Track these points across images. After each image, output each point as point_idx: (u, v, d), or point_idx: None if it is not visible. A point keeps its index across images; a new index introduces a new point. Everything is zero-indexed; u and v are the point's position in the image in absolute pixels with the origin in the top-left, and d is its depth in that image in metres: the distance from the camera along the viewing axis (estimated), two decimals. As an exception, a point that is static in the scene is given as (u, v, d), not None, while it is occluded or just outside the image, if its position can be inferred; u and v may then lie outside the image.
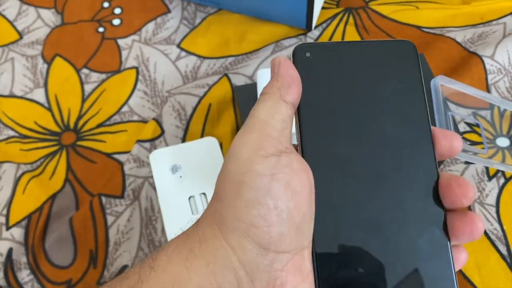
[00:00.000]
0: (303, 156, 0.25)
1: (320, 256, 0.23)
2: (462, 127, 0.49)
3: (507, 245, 0.42)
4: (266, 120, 0.24)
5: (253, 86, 0.47)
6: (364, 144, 0.25)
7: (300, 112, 0.26)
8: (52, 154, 0.49)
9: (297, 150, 0.25)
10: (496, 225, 0.44)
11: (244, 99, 0.46)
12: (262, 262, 0.22)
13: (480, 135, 0.48)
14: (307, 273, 0.23)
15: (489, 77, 0.52)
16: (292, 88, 0.25)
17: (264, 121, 0.24)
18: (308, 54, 0.26)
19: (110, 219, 0.45)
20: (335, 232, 0.24)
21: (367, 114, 0.25)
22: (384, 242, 0.24)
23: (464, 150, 0.42)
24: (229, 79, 0.53)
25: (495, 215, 0.44)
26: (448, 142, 0.25)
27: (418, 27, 0.56)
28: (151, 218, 0.45)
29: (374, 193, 0.24)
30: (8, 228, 0.45)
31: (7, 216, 0.46)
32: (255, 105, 0.25)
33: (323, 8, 0.57)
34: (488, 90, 0.51)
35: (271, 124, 0.24)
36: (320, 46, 0.27)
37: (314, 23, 0.55)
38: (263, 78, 0.44)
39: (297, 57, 0.26)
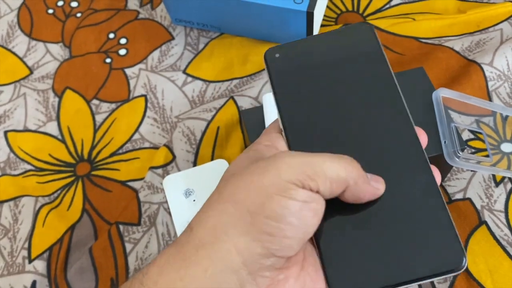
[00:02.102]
0: (288, 143, 0.27)
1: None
2: (466, 135, 0.50)
3: (518, 250, 0.43)
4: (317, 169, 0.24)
5: (259, 109, 0.48)
6: (343, 119, 0.27)
7: (279, 105, 0.27)
8: (69, 185, 0.51)
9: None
10: (507, 231, 0.44)
11: (252, 122, 0.48)
12: (265, 262, 0.23)
13: (484, 142, 0.49)
14: (296, 276, 0.25)
15: (490, 84, 0.53)
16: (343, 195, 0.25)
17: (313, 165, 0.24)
18: (277, 55, 0.28)
19: (128, 246, 0.46)
20: None
21: (341, 95, 0.27)
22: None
23: (468, 159, 0.43)
24: (235, 102, 0.54)
25: (504, 220, 0.45)
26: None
27: (416, 39, 0.57)
28: (168, 243, 0.46)
29: (359, 146, 0.26)
30: (30, 261, 0.46)
31: (29, 249, 0.47)
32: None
33: (322, 25, 0.59)
34: (489, 97, 0.52)
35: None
36: (286, 45, 0.29)
37: (314, 41, 0.57)
38: (268, 102, 0.46)
39: (268, 59, 0.28)
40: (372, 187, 0.25)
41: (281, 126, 0.27)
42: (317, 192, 0.24)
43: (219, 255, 0.23)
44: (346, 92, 0.27)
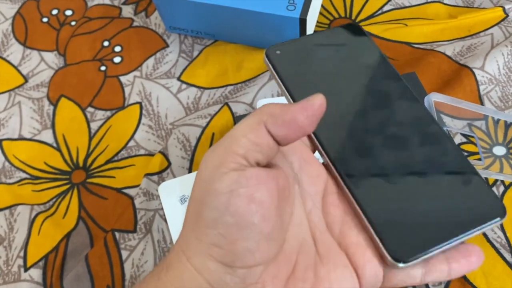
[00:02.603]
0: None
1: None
2: (459, 138, 0.51)
3: None
4: (237, 136, 0.22)
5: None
6: (353, 105, 0.28)
7: (292, 94, 0.28)
8: (64, 193, 0.51)
9: None
10: (500, 233, 0.45)
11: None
12: (232, 279, 0.21)
13: (476, 145, 0.49)
14: (285, 278, 0.23)
15: (481, 88, 0.53)
16: (289, 133, 0.23)
17: (233, 137, 0.22)
18: (278, 52, 0.30)
19: (124, 253, 0.46)
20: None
21: (346, 83, 0.29)
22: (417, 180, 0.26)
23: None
24: (229, 108, 0.54)
25: (497, 223, 0.45)
26: None
27: (409, 44, 0.58)
28: (163, 249, 0.46)
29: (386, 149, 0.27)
30: (26, 269, 0.46)
31: (25, 258, 0.47)
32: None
33: (315, 31, 0.59)
34: (481, 101, 0.53)
35: (240, 142, 0.22)
36: (285, 43, 0.31)
37: (307, 48, 0.57)
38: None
39: (270, 55, 0.30)
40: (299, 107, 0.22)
41: None
42: (247, 164, 0.22)
43: (185, 276, 0.22)
44: (352, 81, 0.29)
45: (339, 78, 0.29)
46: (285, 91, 0.28)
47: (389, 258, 0.24)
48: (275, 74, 0.29)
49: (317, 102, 0.22)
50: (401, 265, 0.24)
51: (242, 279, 0.21)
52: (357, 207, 0.25)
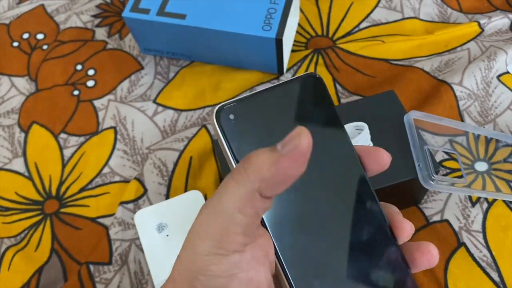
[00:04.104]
0: None
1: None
2: (441, 155, 0.50)
3: (498, 271, 0.43)
4: (230, 213, 0.21)
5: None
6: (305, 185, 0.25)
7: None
8: (36, 224, 0.49)
9: None
10: (485, 252, 0.44)
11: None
12: None
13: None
14: None
15: (460, 103, 0.53)
16: (282, 187, 0.21)
17: (227, 213, 0.21)
18: (231, 116, 0.25)
19: (99, 287, 0.44)
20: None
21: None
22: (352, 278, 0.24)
23: (442, 181, 0.42)
24: (207, 130, 0.53)
25: (482, 241, 0.45)
26: (374, 158, 0.26)
27: (387, 60, 0.58)
28: (141, 281, 0.44)
29: (329, 233, 0.25)
30: (-5, 308, 0.44)
31: (-7, 296, 0.45)
32: (221, 188, 0.21)
33: (293, 51, 0.59)
34: (460, 116, 0.52)
35: (235, 219, 0.21)
36: (239, 103, 0.25)
37: (285, 67, 0.56)
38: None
39: (221, 120, 0.25)
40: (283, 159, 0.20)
41: None
42: (247, 241, 0.21)
43: None
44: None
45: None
46: (231, 159, 0.24)
47: None
48: (223, 141, 0.24)
49: (304, 144, 0.20)
50: None
51: None
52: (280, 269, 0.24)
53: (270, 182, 0.20)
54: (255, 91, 0.26)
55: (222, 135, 0.24)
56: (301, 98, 0.26)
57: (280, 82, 0.26)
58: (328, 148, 0.26)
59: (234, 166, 0.23)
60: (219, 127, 0.24)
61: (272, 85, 0.26)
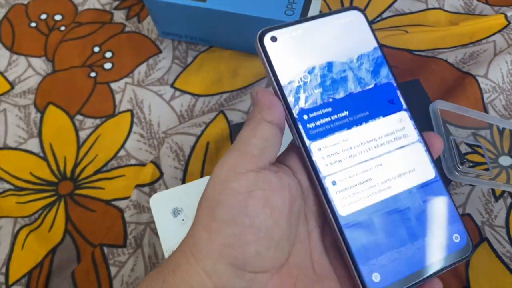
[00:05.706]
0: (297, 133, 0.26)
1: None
2: (463, 148, 0.49)
3: (521, 267, 0.42)
4: (247, 139, 0.24)
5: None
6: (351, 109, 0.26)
7: (282, 88, 0.26)
8: (50, 205, 0.48)
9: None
10: (508, 247, 0.43)
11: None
12: (240, 284, 0.21)
13: (482, 155, 0.48)
14: None
15: (485, 96, 0.52)
16: (273, 109, 0.25)
17: (244, 141, 0.24)
18: (273, 38, 0.27)
19: (113, 270, 0.43)
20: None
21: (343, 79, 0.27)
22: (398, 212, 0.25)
23: (467, 173, 0.41)
24: (225, 116, 0.52)
25: (506, 236, 0.43)
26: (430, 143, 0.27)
27: (409, 51, 0.56)
28: (155, 265, 0.43)
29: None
30: (8, 287, 0.43)
31: (7, 274, 0.44)
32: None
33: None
34: (485, 109, 0.51)
35: (252, 143, 0.23)
36: (284, 27, 0.27)
37: (306, 54, 0.55)
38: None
39: (264, 42, 0.27)
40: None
41: (290, 121, 0.26)
42: (262, 165, 0.23)
43: (193, 280, 0.22)
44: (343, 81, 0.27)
45: (332, 78, 0.27)
46: (273, 79, 0.26)
47: None
48: (266, 63, 0.26)
49: (254, 89, 0.25)
50: None
51: (249, 285, 0.21)
52: (340, 239, 0.24)
53: (270, 106, 0.24)
54: (298, 19, 0.27)
55: (265, 57, 0.26)
56: (342, 29, 0.27)
57: (322, 13, 0.27)
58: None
59: (275, 85, 0.26)
60: (262, 49, 0.26)
61: (314, 15, 0.27)
